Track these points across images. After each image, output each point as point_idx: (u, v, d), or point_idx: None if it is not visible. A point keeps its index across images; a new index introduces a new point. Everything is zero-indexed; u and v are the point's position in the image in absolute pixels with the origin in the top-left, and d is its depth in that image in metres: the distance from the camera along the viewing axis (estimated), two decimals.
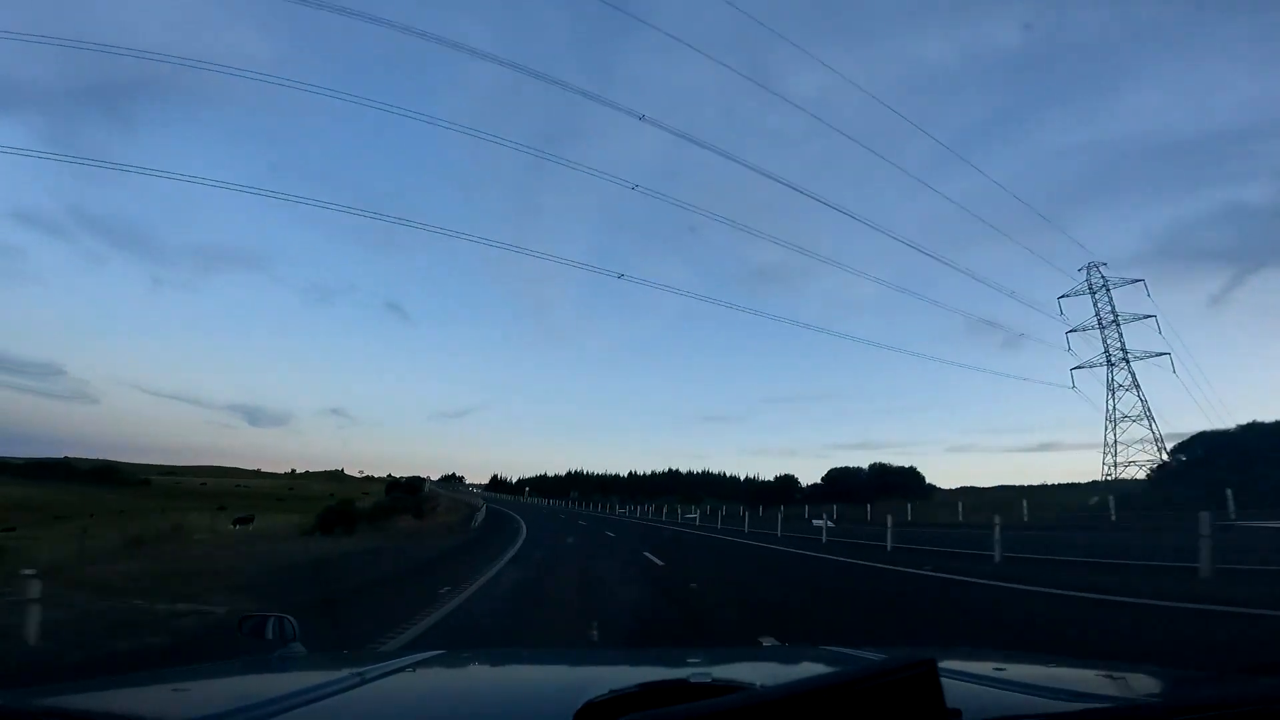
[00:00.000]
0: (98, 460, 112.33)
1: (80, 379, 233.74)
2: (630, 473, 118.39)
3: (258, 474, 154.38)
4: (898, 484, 56.68)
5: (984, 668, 1.34)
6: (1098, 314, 43.62)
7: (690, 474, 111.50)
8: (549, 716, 1.01)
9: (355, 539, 20.26)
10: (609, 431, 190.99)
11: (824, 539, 18.66)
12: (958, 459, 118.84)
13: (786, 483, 77.22)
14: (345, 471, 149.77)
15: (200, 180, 69.17)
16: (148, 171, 65.18)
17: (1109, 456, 43.18)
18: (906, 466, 66.76)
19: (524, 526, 27.43)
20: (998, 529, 11.57)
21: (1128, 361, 42.82)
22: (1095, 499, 29.50)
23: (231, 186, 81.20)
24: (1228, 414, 60.50)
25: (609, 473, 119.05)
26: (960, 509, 30.19)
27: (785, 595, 9.17)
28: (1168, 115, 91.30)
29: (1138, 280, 42.24)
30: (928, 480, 61.83)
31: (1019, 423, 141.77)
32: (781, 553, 15.99)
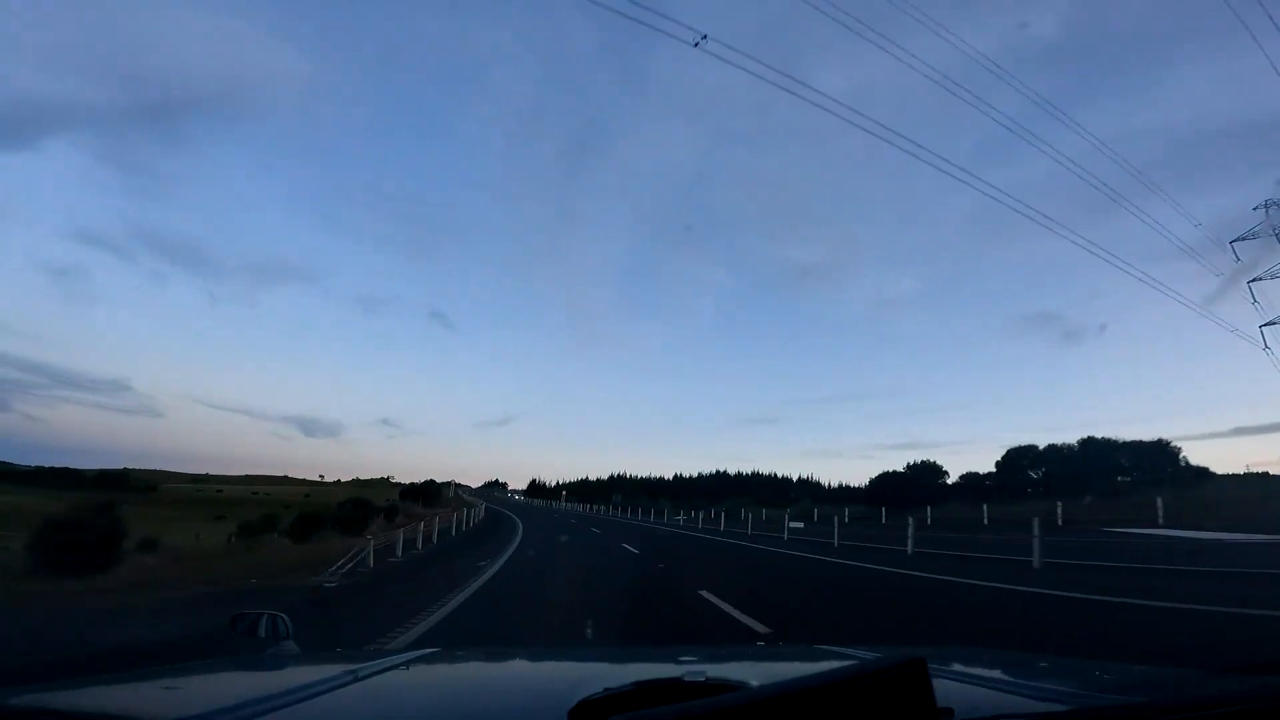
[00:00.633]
0: (150, 470, 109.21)
1: (146, 394, 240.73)
2: (676, 475, 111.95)
3: (285, 480, 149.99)
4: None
5: (976, 667, 1.36)
6: None
7: (740, 475, 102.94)
8: (543, 714, 0.98)
9: None
10: (651, 434, 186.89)
11: None
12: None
13: (923, 472, 56.42)
14: (393, 479, 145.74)
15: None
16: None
17: None
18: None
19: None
20: None
21: None
22: None
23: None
24: None
25: (653, 475, 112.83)
26: None
27: None
28: None
29: None
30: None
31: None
32: None
